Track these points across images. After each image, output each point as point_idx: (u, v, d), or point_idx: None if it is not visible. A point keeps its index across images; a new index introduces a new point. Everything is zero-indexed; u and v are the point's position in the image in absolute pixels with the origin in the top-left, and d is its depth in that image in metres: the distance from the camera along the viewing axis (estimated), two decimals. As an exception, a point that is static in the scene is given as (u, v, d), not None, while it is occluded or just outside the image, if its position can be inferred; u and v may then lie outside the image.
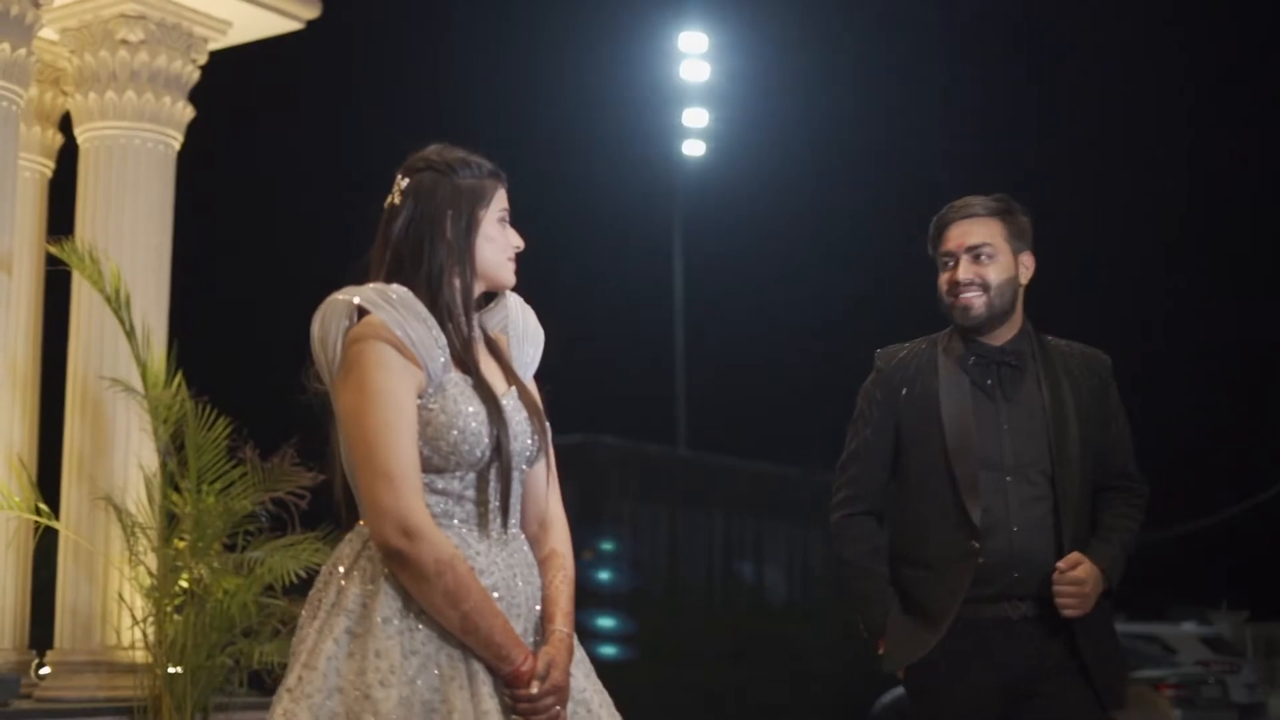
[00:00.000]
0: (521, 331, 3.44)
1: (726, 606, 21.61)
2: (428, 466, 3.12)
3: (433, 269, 3.22)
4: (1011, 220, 4.25)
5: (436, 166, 3.27)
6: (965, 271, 4.20)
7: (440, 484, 3.14)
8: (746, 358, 28.08)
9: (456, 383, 3.17)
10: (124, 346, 7.92)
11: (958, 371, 4.23)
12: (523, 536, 3.27)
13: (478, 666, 3.07)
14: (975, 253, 4.20)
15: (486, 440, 3.14)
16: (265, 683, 7.96)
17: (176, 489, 7.79)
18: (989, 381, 4.21)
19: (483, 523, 3.17)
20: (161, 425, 7.71)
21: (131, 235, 8.55)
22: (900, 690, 23.73)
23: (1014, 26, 31.16)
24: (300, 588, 7.72)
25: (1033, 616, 4.15)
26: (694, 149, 26.57)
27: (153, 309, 8.40)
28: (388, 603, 3.06)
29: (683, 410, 25.44)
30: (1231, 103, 31.34)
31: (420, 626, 3.06)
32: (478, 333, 3.31)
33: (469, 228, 3.25)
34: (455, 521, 3.15)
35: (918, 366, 4.29)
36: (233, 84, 10.00)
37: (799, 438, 26.22)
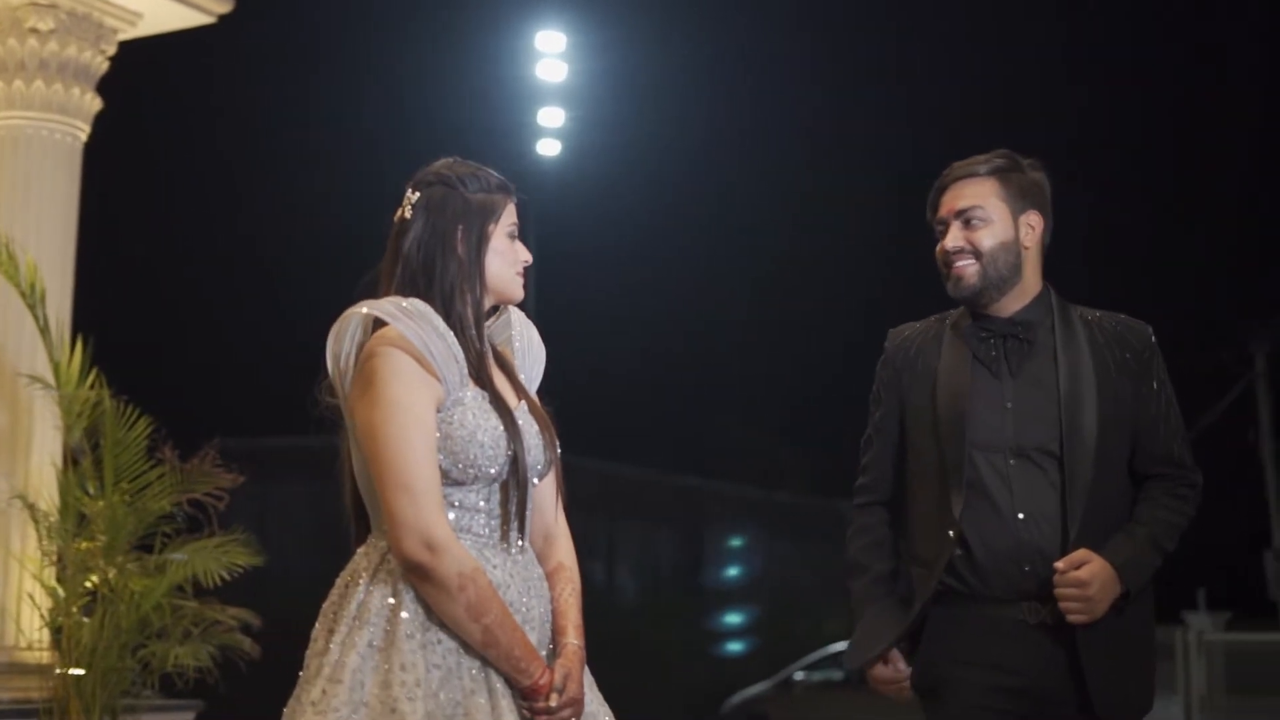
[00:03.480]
0: (525, 347, 3.48)
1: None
2: (445, 480, 3.14)
3: (444, 284, 3.24)
4: (1010, 178, 3.88)
5: (447, 180, 3.30)
6: (954, 239, 3.87)
7: (457, 497, 3.17)
8: (599, 358, 28.17)
9: (474, 396, 3.20)
10: (41, 342, 7.78)
11: (961, 347, 3.90)
12: (531, 550, 3.31)
13: (497, 680, 3.11)
14: (965, 217, 3.87)
15: (504, 454, 3.18)
16: (176, 685, 7.88)
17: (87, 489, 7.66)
18: (994, 355, 3.86)
19: (497, 537, 3.21)
20: (75, 423, 7.58)
21: (38, 228, 8.39)
22: (752, 690, 24.07)
23: (867, 15, 31.58)
24: (223, 591, 7.66)
25: (1054, 623, 3.74)
26: (549, 148, 26.60)
27: (59, 304, 8.24)
28: (411, 616, 3.09)
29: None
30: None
31: (443, 639, 3.09)
32: (488, 347, 3.34)
33: (479, 242, 3.28)
34: (472, 535, 3.18)
35: (920, 345, 3.98)
36: (138, 77, 9.84)
37: (652, 438, 26.38)
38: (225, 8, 9.10)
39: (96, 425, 7.57)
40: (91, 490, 7.62)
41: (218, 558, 7.45)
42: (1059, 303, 3.92)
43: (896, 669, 3.91)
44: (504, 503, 3.21)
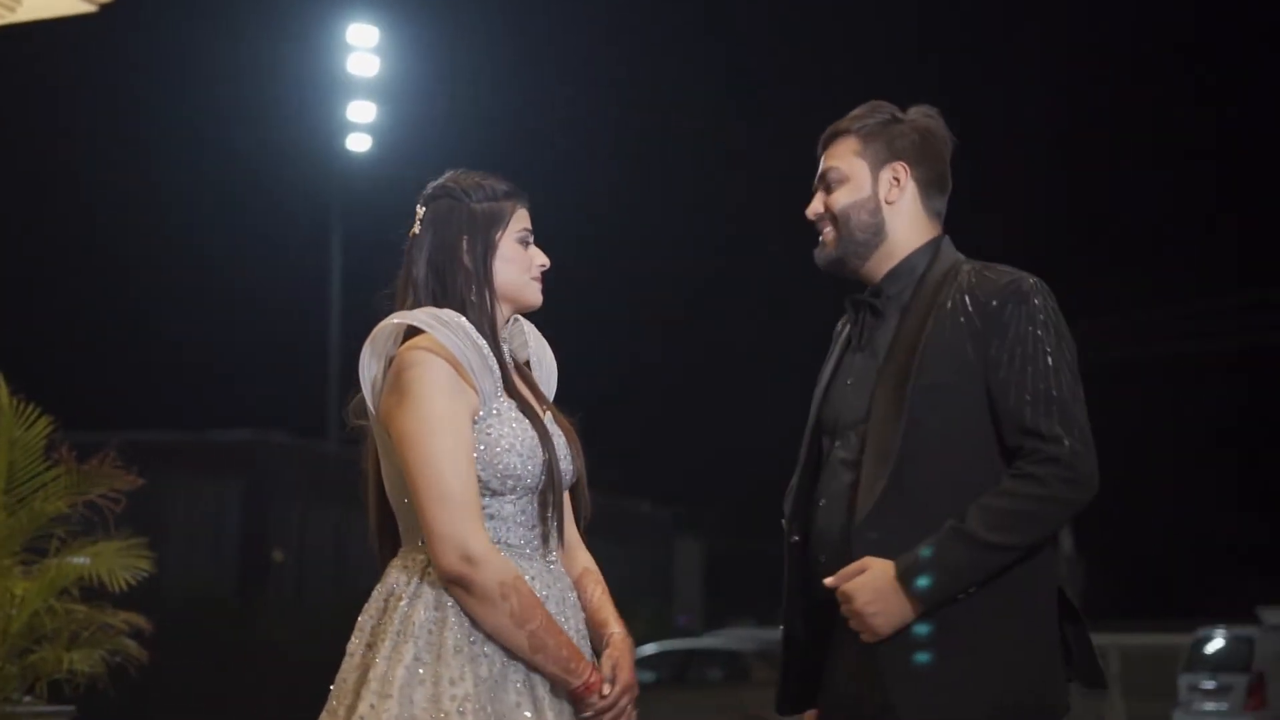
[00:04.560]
0: (539, 358, 3.49)
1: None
2: (483, 491, 3.16)
3: (455, 296, 3.26)
4: (870, 131, 3.45)
5: (451, 193, 3.32)
6: (813, 205, 3.49)
7: (494, 508, 3.18)
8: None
9: (508, 406, 3.23)
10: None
11: (845, 325, 3.57)
12: (560, 562, 3.34)
13: (543, 692, 3.14)
14: (825, 181, 3.48)
15: (540, 463, 3.21)
16: (65, 692, 7.68)
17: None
18: (855, 329, 3.49)
19: (533, 547, 3.23)
20: (-39, 420, 7.32)
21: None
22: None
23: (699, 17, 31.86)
24: (126, 597, 7.48)
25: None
26: (359, 143, 26.36)
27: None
28: (457, 630, 3.10)
29: (335, 407, 25.19)
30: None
31: (490, 652, 3.11)
32: (509, 358, 3.36)
33: (486, 252, 3.29)
34: (508, 547, 3.19)
35: (837, 332, 3.63)
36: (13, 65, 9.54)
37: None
38: (108, -3, 8.85)
39: (-13, 423, 7.33)
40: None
41: (122, 561, 7.26)
42: (939, 259, 3.42)
43: None
44: (541, 513, 3.24)
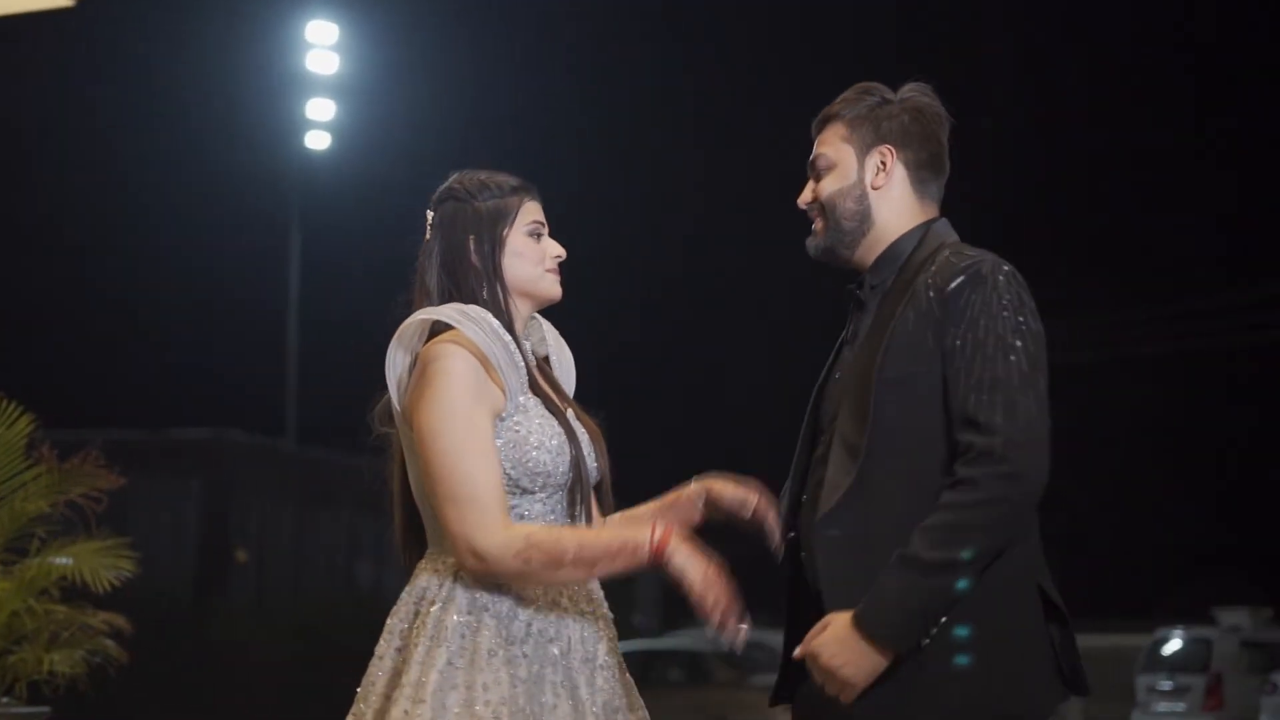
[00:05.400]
0: (556, 356, 3.47)
1: (347, 605, 21.48)
2: (514, 489, 3.14)
3: (466, 296, 3.24)
4: (858, 115, 3.29)
5: (456, 195, 3.31)
6: (802, 196, 3.35)
7: (524, 508, 3.16)
8: (369, 357, 27.85)
9: (535, 403, 3.21)
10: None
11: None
12: None
13: (585, 693, 3.12)
14: (814, 171, 3.34)
15: (568, 459, 3.18)
16: (44, 693, 7.61)
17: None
18: (849, 321, 3.36)
19: None
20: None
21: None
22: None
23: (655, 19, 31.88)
24: (89, 596, 7.42)
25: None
26: (318, 141, 26.25)
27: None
28: (491, 634, 3.07)
29: (293, 405, 25.10)
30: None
31: (527, 654, 3.08)
32: (530, 356, 3.33)
33: (493, 249, 3.27)
34: None
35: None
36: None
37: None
38: (86, -9, 8.81)
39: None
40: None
41: (105, 561, 7.20)
42: (924, 244, 3.26)
43: None
44: (569, 511, 3.21)
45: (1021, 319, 3.04)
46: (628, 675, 3.25)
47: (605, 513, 3.37)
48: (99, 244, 28.08)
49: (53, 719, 8.15)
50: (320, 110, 26.03)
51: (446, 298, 3.23)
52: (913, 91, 3.30)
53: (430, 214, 3.32)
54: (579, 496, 3.22)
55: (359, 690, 3.18)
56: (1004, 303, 3.03)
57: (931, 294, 3.07)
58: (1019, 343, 3.02)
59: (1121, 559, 35.13)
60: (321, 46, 25.86)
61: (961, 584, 2.95)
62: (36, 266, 27.10)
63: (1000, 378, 2.98)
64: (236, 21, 28.55)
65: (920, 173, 3.28)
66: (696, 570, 3.02)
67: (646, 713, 3.25)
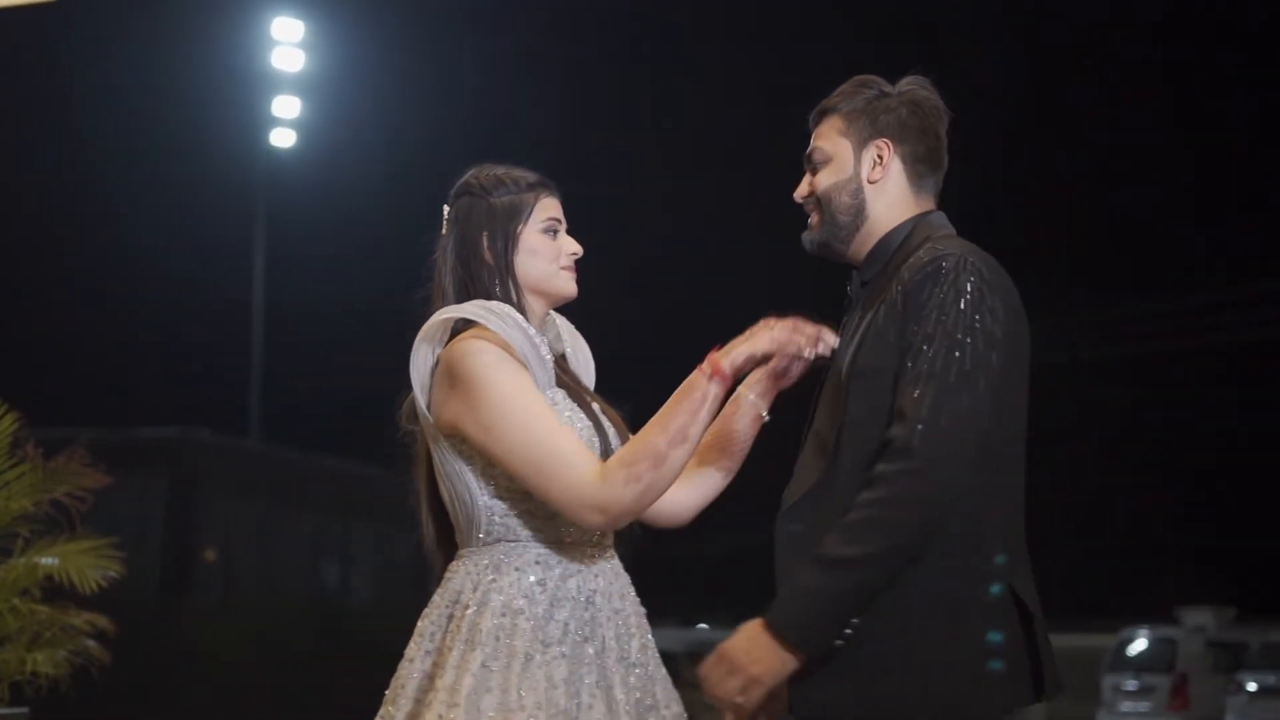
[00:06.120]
0: (573, 350, 3.44)
1: (314, 607, 21.39)
2: None
3: (480, 293, 3.22)
4: (855, 108, 3.27)
5: (472, 190, 3.28)
6: (799, 190, 3.32)
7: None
8: (334, 353, 27.79)
9: (562, 396, 3.19)
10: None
11: None
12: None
13: (620, 694, 3.09)
14: (810, 164, 3.31)
15: (598, 452, 3.15)
16: (25, 693, 7.55)
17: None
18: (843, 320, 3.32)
19: (593, 542, 3.17)
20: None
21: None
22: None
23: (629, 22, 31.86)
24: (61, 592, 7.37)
25: None
26: (284, 139, 26.13)
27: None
28: (527, 636, 3.04)
29: (257, 403, 24.98)
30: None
31: (565, 653, 3.06)
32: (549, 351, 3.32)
33: (506, 246, 3.24)
34: (572, 544, 3.14)
35: None
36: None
37: (385, 437, 26.07)
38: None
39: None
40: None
41: (90, 562, 7.14)
42: (912, 238, 3.22)
43: None
44: None
45: (978, 317, 2.98)
46: (663, 669, 3.23)
47: None
48: (63, 241, 27.91)
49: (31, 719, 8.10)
50: (286, 108, 25.90)
51: (463, 294, 3.21)
52: (911, 85, 3.27)
53: (446, 209, 3.29)
54: None
55: (387, 692, 3.15)
56: (963, 299, 2.98)
57: (899, 288, 3.04)
58: (968, 340, 2.95)
59: (1085, 558, 35.32)
60: (287, 44, 25.72)
61: (869, 582, 2.91)
62: (-1, 265, 26.93)
63: (937, 372, 2.93)
64: (202, 18, 28.38)
65: (917, 167, 3.25)
66: (756, 340, 3.07)
67: (681, 707, 3.22)
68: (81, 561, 7.13)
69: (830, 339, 3.12)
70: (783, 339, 3.09)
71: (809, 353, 3.14)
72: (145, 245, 28.08)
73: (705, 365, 3.05)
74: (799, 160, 3.37)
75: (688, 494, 3.37)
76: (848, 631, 2.94)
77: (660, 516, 3.36)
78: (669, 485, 3.04)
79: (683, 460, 3.03)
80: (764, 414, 3.34)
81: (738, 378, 3.14)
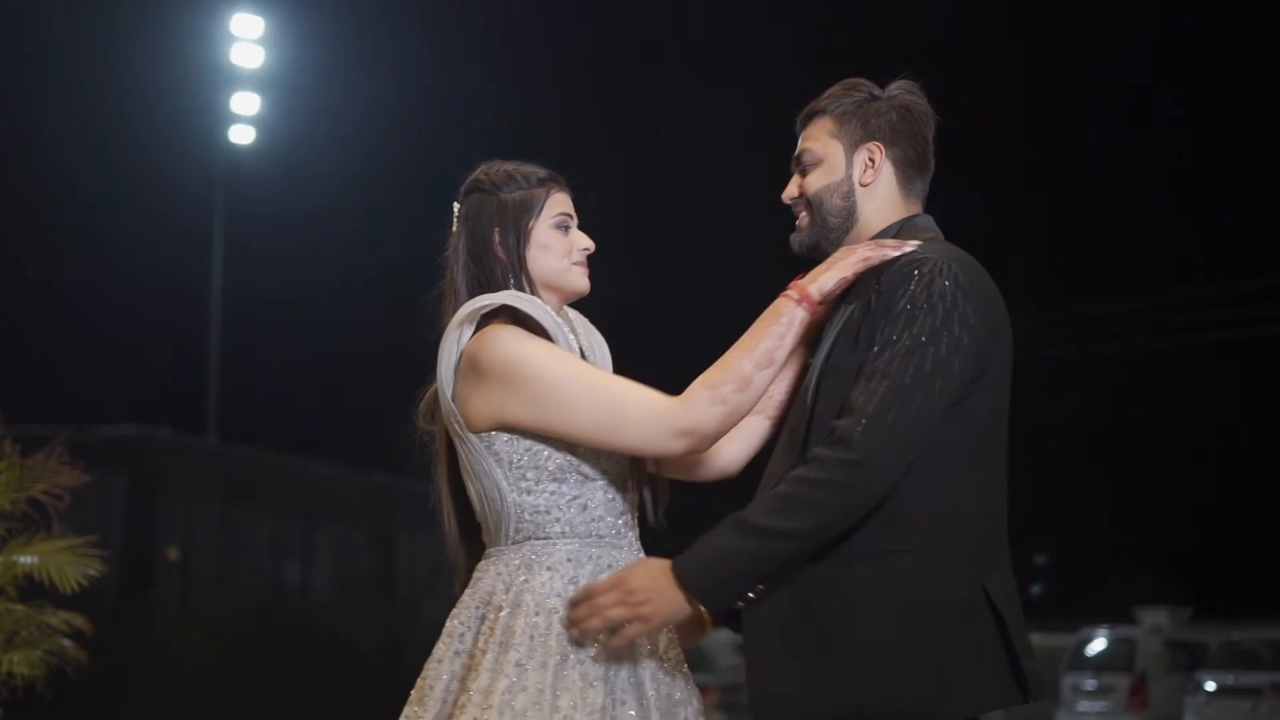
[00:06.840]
0: (589, 345, 3.41)
1: (274, 605, 21.32)
2: (580, 477, 3.10)
3: (492, 289, 3.20)
4: (846, 110, 3.28)
5: (482, 187, 3.27)
6: (787, 191, 3.33)
7: (585, 496, 3.12)
8: (292, 351, 27.66)
9: None
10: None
11: None
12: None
13: (650, 690, 3.09)
14: (799, 165, 3.32)
15: None
16: (1, 694, 7.47)
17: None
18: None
19: (620, 534, 3.17)
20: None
21: None
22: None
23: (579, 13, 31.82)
24: (57, 598, 7.29)
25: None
26: (243, 135, 26.00)
27: None
28: (561, 637, 3.04)
29: (214, 403, 24.87)
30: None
31: (596, 654, 3.05)
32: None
33: (517, 242, 3.23)
34: (599, 537, 3.13)
35: None
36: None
37: (348, 436, 26.03)
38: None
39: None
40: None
41: (70, 560, 7.06)
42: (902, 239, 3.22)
43: None
44: (626, 499, 3.17)
45: (947, 321, 2.99)
46: (685, 664, 3.22)
47: (661, 502, 3.31)
48: (18, 236, 27.71)
49: (2, 720, 8.02)
50: (245, 104, 25.77)
51: (475, 290, 3.19)
52: (900, 89, 3.28)
53: (456, 206, 3.28)
54: (634, 484, 3.19)
55: (413, 693, 3.13)
56: (934, 302, 3.00)
57: (875, 288, 3.05)
58: (931, 346, 2.97)
59: (1042, 558, 35.51)
60: (246, 40, 25.60)
61: (785, 554, 2.96)
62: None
63: (893, 372, 2.95)
64: (162, 13, 28.19)
65: (907, 170, 3.27)
66: (843, 263, 3.09)
67: (701, 703, 3.22)
68: (61, 560, 7.04)
69: (909, 248, 3.12)
70: (873, 255, 3.09)
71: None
72: (103, 240, 27.90)
73: (792, 290, 3.07)
74: (784, 160, 3.37)
75: (739, 446, 3.35)
76: (750, 596, 3.01)
77: (711, 469, 3.35)
78: (749, 410, 3.06)
79: (765, 384, 3.05)
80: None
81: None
